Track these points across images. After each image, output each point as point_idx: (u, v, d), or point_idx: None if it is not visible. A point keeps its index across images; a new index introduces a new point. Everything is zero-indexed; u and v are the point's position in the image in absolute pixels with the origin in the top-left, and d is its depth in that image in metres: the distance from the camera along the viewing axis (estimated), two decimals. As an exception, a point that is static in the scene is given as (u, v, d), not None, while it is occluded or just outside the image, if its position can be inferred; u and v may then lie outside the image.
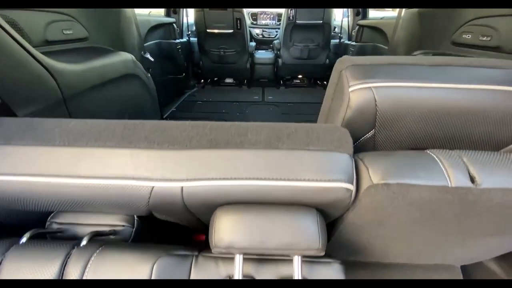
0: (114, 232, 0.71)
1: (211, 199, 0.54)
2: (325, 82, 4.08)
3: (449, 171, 0.48)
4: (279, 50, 3.75)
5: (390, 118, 0.62)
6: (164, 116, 2.68)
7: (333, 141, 0.54)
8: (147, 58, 2.17)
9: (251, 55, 3.86)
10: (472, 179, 0.48)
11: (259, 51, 4.23)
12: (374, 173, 0.50)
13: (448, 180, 0.47)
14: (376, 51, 2.68)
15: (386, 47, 2.23)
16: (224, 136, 0.55)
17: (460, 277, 1.04)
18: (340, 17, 3.75)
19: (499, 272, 1.04)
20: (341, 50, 3.69)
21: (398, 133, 0.65)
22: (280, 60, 3.75)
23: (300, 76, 4.04)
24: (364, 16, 3.22)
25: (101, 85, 1.55)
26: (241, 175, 0.51)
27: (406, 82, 0.60)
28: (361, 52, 3.07)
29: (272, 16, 4.56)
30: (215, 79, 4.10)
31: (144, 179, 0.52)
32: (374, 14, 3.24)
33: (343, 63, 0.67)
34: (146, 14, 3.12)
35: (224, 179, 0.51)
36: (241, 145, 0.53)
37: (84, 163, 0.54)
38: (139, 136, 0.58)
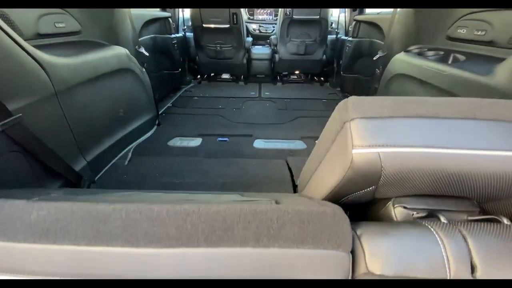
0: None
1: None
2: (321, 78, 4.07)
3: (450, 260, 0.45)
4: (276, 45, 3.73)
5: (396, 179, 0.56)
6: (160, 112, 2.66)
7: (331, 235, 0.47)
8: (142, 53, 2.14)
9: (248, 51, 3.84)
10: (473, 268, 0.44)
11: (256, 46, 4.20)
12: (371, 260, 0.47)
13: (448, 271, 0.44)
14: (372, 47, 2.68)
15: (382, 43, 2.23)
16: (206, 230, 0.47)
17: None
18: (337, 12, 3.73)
19: None
20: (338, 45, 3.68)
21: (401, 187, 0.59)
22: (277, 56, 3.73)
23: (297, 72, 4.03)
24: (361, 12, 3.21)
25: (94, 80, 1.53)
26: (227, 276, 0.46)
27: (418, 148, 0.51)
28: (358, 47, 3.07)
29: (269, 11, 4.52)
30: (212, 74, 4.08)
31: None
32: (371, 9, 3.23)
33: (347, 111, 0.56)
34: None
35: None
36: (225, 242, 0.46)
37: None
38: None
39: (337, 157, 0.61)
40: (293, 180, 1.49)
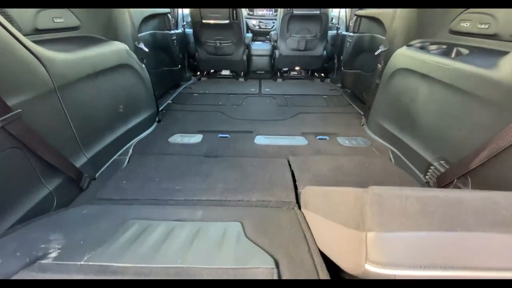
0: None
1: None
2: (322, 74, 4.05)
3: None
4: (276, 41, 3.70)
5: None
6: (160, 109, 2.65)
7: None
8: (141, 49, 2.12)
9: (248, 47, 3.81)
10: None
11: (256, 42, 4.18)
12: None
13: None
14: (373, 42, 2.66)
15: (384, 37, 2.21)
16: None
17: None
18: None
19: None
20: (339, 41, 3.65)
21: None
22: (277, 52, 3.71)
23: (297, 68, 4.01)
24: (362, 6, 3.18)
25: (94, 75, 1.52)
26: None
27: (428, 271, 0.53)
28: (359, 43, 3.05)
29: (268, 6, 4.49)
30: (211, 71, 4.06)
31: None
32: (372, 4, 3.20)
33: (365, 219, 0.57)
34: (140, 4, 3.04)
35: None
36: None
37: None
38: None
39: (350, 247, 0.63)
40: (295, 185, 1.47)
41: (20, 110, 1.01)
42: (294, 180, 1.51)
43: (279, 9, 3.50)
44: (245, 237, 0.96)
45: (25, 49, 1.07)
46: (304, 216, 1.14)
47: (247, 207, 1.27)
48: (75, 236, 0.94)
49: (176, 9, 3.52)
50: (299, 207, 1.27)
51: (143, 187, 1.42)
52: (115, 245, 0.89)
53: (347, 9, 3.44)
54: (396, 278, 0.53)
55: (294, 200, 1.34)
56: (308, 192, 1.16)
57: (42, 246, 0.87)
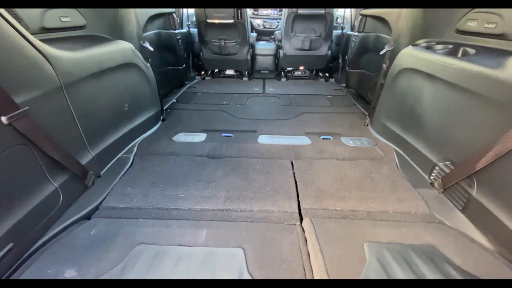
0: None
1: None
2: (326, 74, 4.03)
3: None
4: (280, 41, 3.70)
5: None
6: (165, 108, 2.67)
7: None
8: (147, 48, 2.14)
9: (252, 46, 3.82)
10: None
11: (260, 42, 4.17)
12: None
13: None
14: (379, 41, 2.64)
15: (389, 37, 2.19)
16: None
17: None
18: (342, 7, 3.68)
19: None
20: (344, 40, 3.63)
21: None
22: (281, 51, 3.70)
23: (301, 68, 4.00)
24: (367, 6, 3.16)
25: (100, 74, 1.53)
26: None
27: None
28: (364, 42, 3.03)
29: (273, 6, 4.48)
30: (216, 70, 4.07)
31: None
32: (378, 3, 3.17)
33: None
34: (146, 3, 3.07)
35: None
36: None
37: None
38: None
39: None
40: (297, 193, 1.47)
41: (28, 107, 1.03)
42: (297, 185, 1.52)
43: (283, 9, 3.50)
44: (247, 271, 1.01)
45: (32, 48, 1.09)
46: (305, 236, 1.18)
47: (249, 222, 1.27)
48: (88, 270, 1.00)
49: (181, 9, 3.54)
50: (301, 219, 1.30)
51: (147, 194, 1.43)
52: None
53: (352, 8, 3.42)
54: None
55: (297, 211, 1.34)
56: (308, 225, 1.21)
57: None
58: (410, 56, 1.75)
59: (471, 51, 1.44)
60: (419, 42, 1.83)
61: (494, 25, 1.38)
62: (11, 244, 0.99)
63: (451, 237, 1.15)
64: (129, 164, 1.71)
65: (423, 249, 1.08)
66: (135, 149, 1.87)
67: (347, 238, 1.13)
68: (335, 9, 3.42)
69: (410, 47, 1.82)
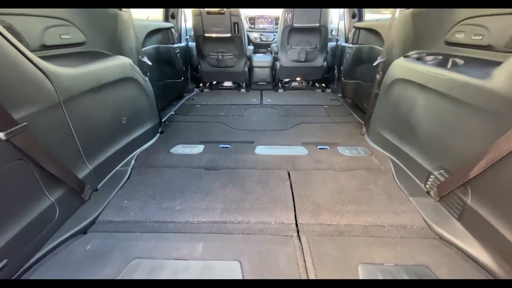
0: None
1: None
2: (323, 84, 4.09)
3: None
4: (277, 53, 3.78)
5: None
6: (163, 120, 2.69)
7: None
8: (145, 62, 2.19)
9: (249, 59, 3.89)
10: None
11: (257, 54, 4.26)
12: None
13: None
14: (372, 53, 2.70)
15: (382, 48, 2.25)
16: None
17: None
18: (336, 20, 3.79)
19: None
20: (338, 52, 3.71)
21: None
22: (278, 63, 3.78)
23: (298, 79, 4.06)
24: (360, 19, 3.25)
25: (98, 88, 1.56)
26: None
27: None
28: (358, 54, 3.10)
29: (269, 20, 4.61)
30: (214, 82, 4.13)
31: None
32: (370, 16, 3.27)
33: None
34: (145, 19, 3.15)
35: None
36: None
37: None
38: None
39: None
40: (294, 207, 1.46)
41: (26, 123, 1.04)
42: (294, 199, 1.52)
43: (279, 22, 3.59)
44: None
45: (31, 65, 1.12)
46: (303, 249, 1.19)
47: (246, 234, 1.27)
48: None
49: (179, 23, 3.63)
50: (298, 231, 1.30)
51: (144, 207, 1.43)
52: None
53: (346, 21, 3.52)
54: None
55: (294, 222, 1.34)
56: (304, 245, 1.22)
57: None
58: (402, 67, 1.79)
59: (460, 62, 1.48)
60: (410, 53, 1.87)
61: (480, 37, 1.43)
62: (5, 261, 0.98)
63: (445, 256, 1.15)
64: (127, 177, 1.72)
65: (416, 270, 1.08)
66: (133, 161, 1.88)
67: (342, 260, 1.13)
68: (330, 22, 3.51)
69: (402, 58, 1.86)
